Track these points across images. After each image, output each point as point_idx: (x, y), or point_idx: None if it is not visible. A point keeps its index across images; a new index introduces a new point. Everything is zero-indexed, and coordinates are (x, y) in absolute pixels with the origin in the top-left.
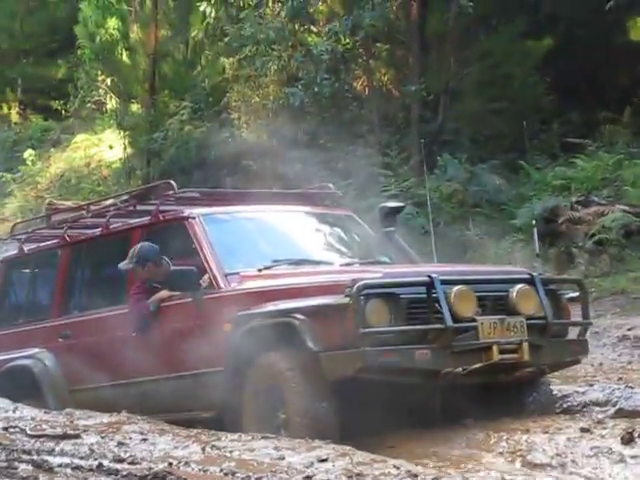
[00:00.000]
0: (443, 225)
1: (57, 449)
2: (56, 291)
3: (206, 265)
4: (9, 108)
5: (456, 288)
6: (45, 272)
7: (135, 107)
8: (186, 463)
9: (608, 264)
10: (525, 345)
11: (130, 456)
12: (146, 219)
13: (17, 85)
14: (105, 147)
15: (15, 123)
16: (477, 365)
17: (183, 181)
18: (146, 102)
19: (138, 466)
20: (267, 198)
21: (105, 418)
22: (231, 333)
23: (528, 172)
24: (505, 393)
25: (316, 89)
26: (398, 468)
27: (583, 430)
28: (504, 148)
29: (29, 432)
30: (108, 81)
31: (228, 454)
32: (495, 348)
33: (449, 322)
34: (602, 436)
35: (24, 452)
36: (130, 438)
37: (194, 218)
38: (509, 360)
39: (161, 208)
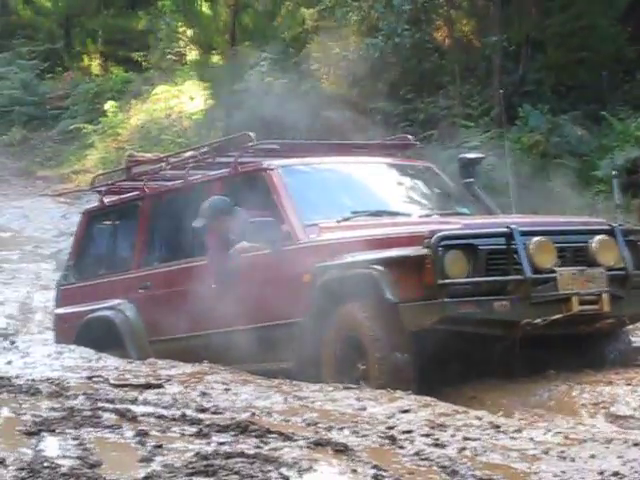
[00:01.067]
0: (524, 176)
1: (140, 398)
2: (136, 243)
3: (285, 216)
4: (90, 60)
5: (535, 239)
6: (125, 224)
7: (215, 58)
8: (268, 413)
9: None
10: (605, 296)
11: (213, 406)
12: (225, 171)
13: (98, 37)
14: (185, 98)
15: (96, 75)
16: (557, 316)
17: (263, 133)
18: (226, 53)
19: (221, 416)
20: (346, 149)
21: (188, 368)
22: (310, 284)
23: (610, 123)
24: (586, 345)
25: (397, 40)
26: (480, 419)
27: None
28: (586, 99)
29: (112, 382)
30: (189, 32)
31: (310, 405)
32: (575, 299)
33: (528, 273)
34: None
35: (108, 401)
36: (213, 388)
37: (273, 169)
38: (589, 311)
39: (240, 160)
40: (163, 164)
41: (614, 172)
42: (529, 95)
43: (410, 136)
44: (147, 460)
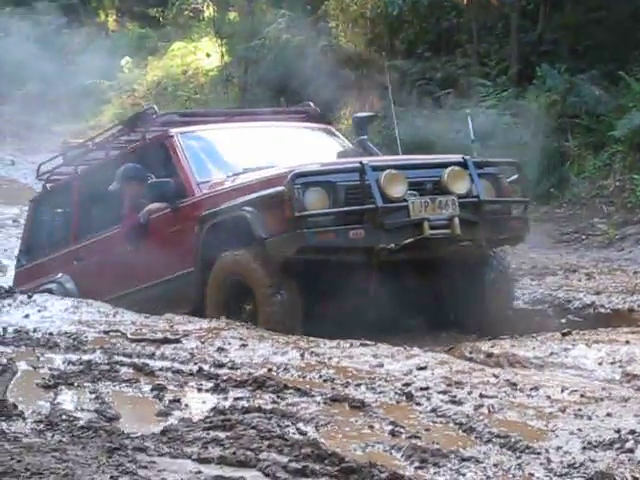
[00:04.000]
0: (542, 136)
1: (157, 353)
2: (72, 221)
3: (181, 176)
4: (106, 16)
5: (386, 172)
6: (64, 206)
7: (232, 15)
8: (285, 369)
9: None
10: (456, 220)
11: (230, 361)
12: (136, 142)
13: None
14: (202, 55)
15: (112, 31)
16: (409, 240)
17: (280, 89)
18: (244, 10)
19: (238, 371)
20: (248, 116)
21: (205, 324)
22: (198, 233)
23: (628, 83)
24: (469, 269)
25: None
26: (497, 377)
27: None
28: (604, 59)
29: (130, 336)
30: None
31: (327, 361)
32: (426, 224)
33: (379, 202)
34: None
35: (125, 356)
36: (229, 344)
37: (172, 136)
38: (440, 235)
39: (150, 132)
40: (90, 145)
41: (467, 111)
42: (547, 54)
43: (311, 103)
44: (164, 414)
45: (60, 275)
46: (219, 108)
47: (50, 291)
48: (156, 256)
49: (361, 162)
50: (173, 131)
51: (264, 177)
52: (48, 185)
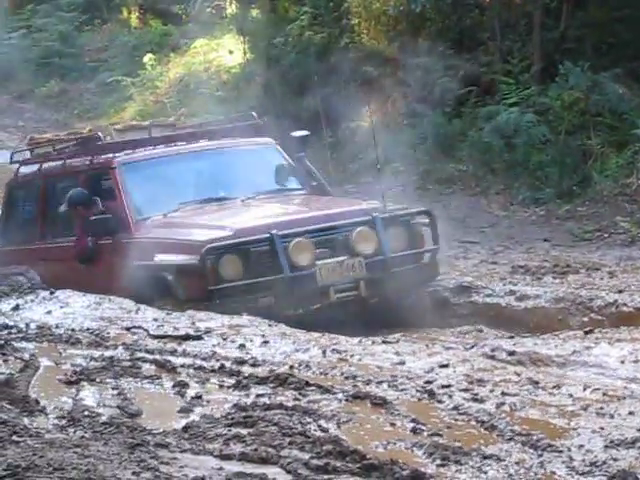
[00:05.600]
0: (564, 134)
1: (179, 350)
2: (38, 219)
3: (121, 211)
4: (129, 12)
5: (295, 241)
6: (32, 199)
7: (255, 12)
8: (307, 366)
9: None
10: (362, 283)
11: (251, 358)
12: (84, 164)
13: None
14: (224, 52)
15: (135, 27)
16: (316, 306)
17: (303, 87)
18: (266, 7)
19: (260, 368)
20: (190, 137)
21: (226, 320)
22: (131, 279)
23: None
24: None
25: None
26: (519, 375)
27: None
28: (627, 57)
29: (152, 333)
30: None
31: (349, 358)
32: (332, 290)
33: (287, 272)
34: None
35: (147, 352)
36: (251, 341)
37: (115, 168)
38: (348, 297)
39: (98, 155)
40: (51, 149)
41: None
42: (570, 52)
43: (253, 113)
44: (186, 410)
45: (27, 270)
46: (169, 127)
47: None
48: (101, 279)
49: (270, 233)
50: (116, 161)
51: (186, 239)
52: (19, 175)
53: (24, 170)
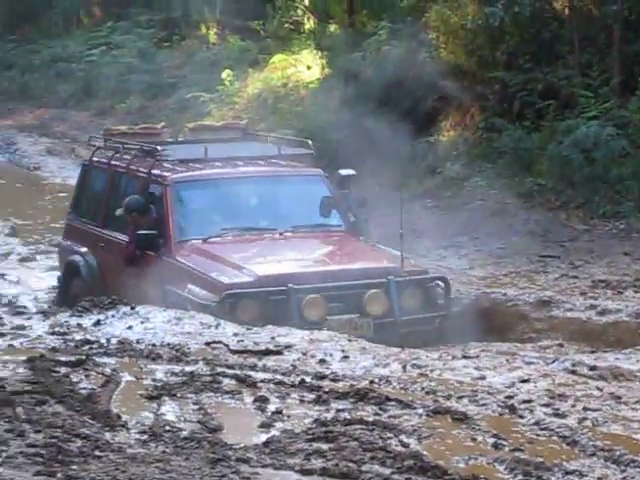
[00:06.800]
0: None
1: (259, 365)
2: (102, 206)
3: (166, 229)
4: (207, 28)
5: (308, 297)
6: (101, 184)
7: (333, 27)
8: (387, 381)
9: None
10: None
11: (332, 373)
12: (145, 173)
13: (216, 6)
14: (302, 67)
15: (213, 43)
16: None
17: (381, 101)
18: (344, 22)
19: (340, 383)
20: (245, 160)
21: (306, 335)
22: (161, 300)
23: None
24: None
25: (516, 9)
26: (601, 390)
27: None
28: None
29: (232, 348)
30: (306, 1)
31: (429, 373)
32: None
33: (297, 324)
34: None
35: (227, 367)
36: (331, 355)
37: (168, 185)
38: None
39: (156, 167)
40: (120, 146)
41: (402, 196)
42: None
43: (309, 142)
44: (267, 426)
45: (87, 253)
46: (240, 130)
47: (77, 263)
48: (138, 288)
49: (287, 286)
50: (170, 179)
51: (211, 278)
52: (93, 160)
53: (98, 157)
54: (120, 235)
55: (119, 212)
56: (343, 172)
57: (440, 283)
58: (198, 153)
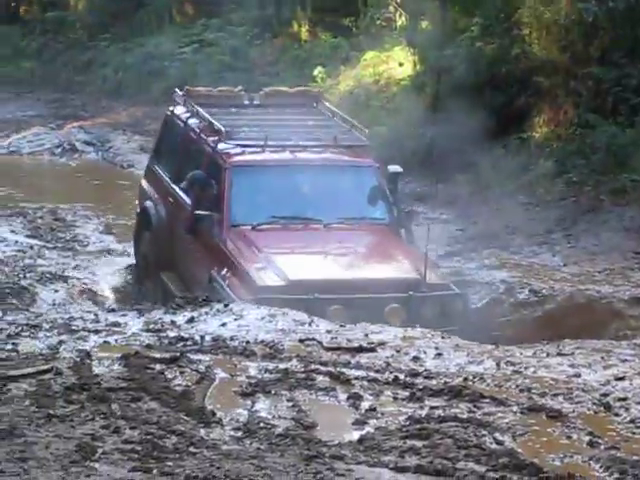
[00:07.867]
0: None
1: (353, 362)
2: (175, 162)
3: (221, 211)
4: (299, 26)
5: (332, 307)
6: (178, 140)
7: (425, 24)
8: (481, 378)
9: None
10: None
11: (425, 370)
12: (210, 150)
13: (307, 3)
14: (394, 64)
15: (305, 41)
16: None
17: (473, 97)
18: (436, 18)
19: (433, 380)
20: (305, 148)
21: (399, 332)
22: (203, 283)
23: None
24: None
25: (611, 4)
26: None
27: None
28: None
29: (325, 345)
30: None
31: (523, 370)
32: None
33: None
34: None
35: (321, 364)
36: (425, 353)
37: (227, 168)
38: None
39: (220, 146)
40: (195, 110)
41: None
42: None
43: (366, 130)
44: (361, 423)
45: (159, 202)
46: (313, 97)
47: (148, 209)
48: (188, 260)
49: (314, 296)
50: (229, 162)
51: (249, 276)
52: (174, 112)
53: (179, 110)
54: (187, 198)
55: (183, 185)
56: (391, 168)
57: (458, 299)
58: (260, 137)
